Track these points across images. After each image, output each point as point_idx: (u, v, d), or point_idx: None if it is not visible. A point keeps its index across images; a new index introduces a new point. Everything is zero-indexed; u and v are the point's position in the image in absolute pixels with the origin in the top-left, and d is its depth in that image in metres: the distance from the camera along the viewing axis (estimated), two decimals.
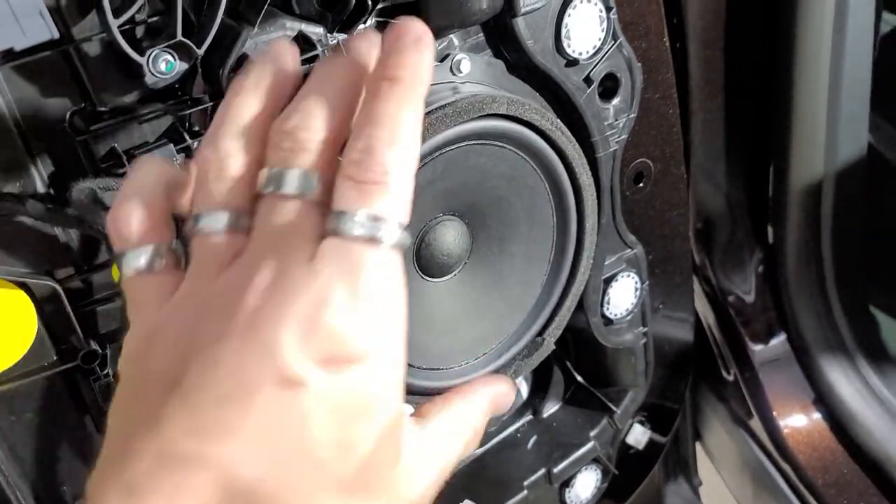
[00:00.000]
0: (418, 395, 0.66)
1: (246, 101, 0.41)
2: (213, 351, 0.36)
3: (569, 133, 0.65)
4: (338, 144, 0.39)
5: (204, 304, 0.38)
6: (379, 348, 0.37)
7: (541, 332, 0.71)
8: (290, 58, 0.42)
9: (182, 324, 0.38)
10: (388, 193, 0.37)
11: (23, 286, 0.53)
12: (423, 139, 0.57)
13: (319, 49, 0.54)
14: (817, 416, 1.05)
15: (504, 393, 0.48)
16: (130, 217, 0.41)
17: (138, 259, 0.40)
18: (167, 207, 0.42)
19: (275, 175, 0.38)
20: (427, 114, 0.57)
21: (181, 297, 0.39)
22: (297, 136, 0.39)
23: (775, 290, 1.09)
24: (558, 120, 0.64)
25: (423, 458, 0.41)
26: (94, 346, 0.56)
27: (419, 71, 0.40)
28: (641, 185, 0.80)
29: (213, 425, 0.35)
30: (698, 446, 1.20)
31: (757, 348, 1.09)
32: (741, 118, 1.00)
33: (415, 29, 0.40)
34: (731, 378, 1.12)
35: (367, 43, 0.42)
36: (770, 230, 1.07)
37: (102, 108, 0.52)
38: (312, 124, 0.39)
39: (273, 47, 0.42)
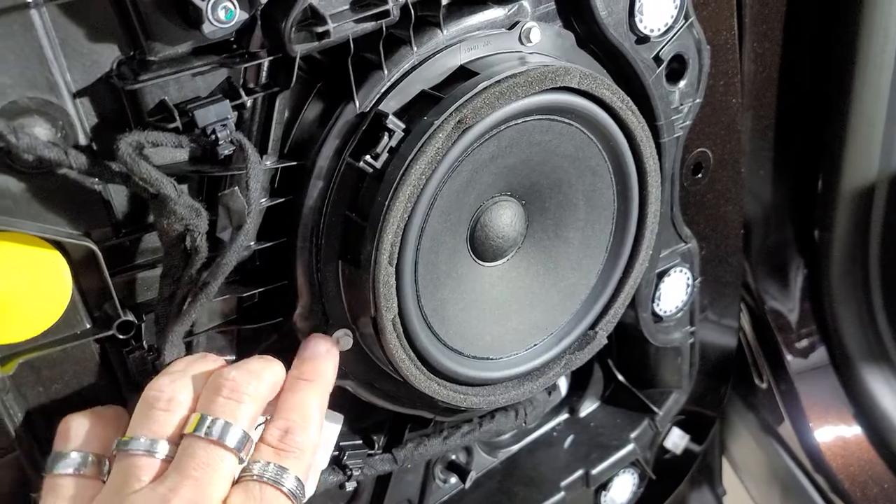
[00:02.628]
0: (466, 384, 0.62)
1: (200, 362, 0.51)
2: None
3: (639, 114, 0.61)
4: (257, 415, 0.50)
5: None
6: None
7: (593, 325, 0.68)
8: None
9: None
10: (294, 458, 0.49)
11: (57, 246, 0.48)
12: (494, 108, 0.53)
13: (390, 4, 0.50)
14: (856, 427, 1.01)
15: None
16: (79, 425, 0.49)
17: (68, 460, 0.48)
18: (107, 429, 0.50)
19: (208, 421, 0.47)
20: (497, 82, 0.53)
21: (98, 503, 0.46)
22: (237, 389, 0.48)
23: (816, 297, 1.05)
24: (629, 99, 0.60)
25: None
26: (130, 315, 0.52)
27: (328, 375, 0.54)
28: (700, 175, 0.76)
29: None
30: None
31: (794, 356, 1.05)
32: (793, 116, 0.96)
33: (326, 343, 0.56)
34: (763, 386, 1.08)
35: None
36: (815, 234, 1.03)
37: (152, 58, 0.48)
38: (248, 388, 0.49)
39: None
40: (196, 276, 0.50)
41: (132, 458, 0.46)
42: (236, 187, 0.51)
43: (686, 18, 0.66)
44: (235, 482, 0.47)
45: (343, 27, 0.50)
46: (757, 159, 0.98)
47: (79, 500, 0.47)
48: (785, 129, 0.96)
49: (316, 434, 0.51)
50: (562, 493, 0.78)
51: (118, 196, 0.50)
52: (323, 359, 0.55)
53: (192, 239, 0.49)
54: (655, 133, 0.67)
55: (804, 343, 1.05)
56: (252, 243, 0.54)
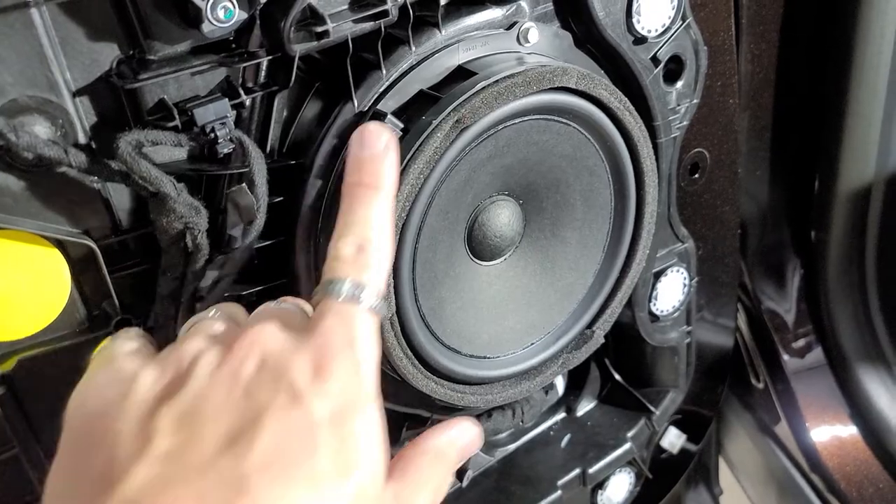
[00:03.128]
0: (464, 383, 0.62)
1: None
2: (219, 378, 0.40)
3: (636, 114, 0.61)
4: None
5: (205, 353, 0.42)
6: (366, 392, 0.41)
7: (591, 325, 0.68)
8: None
9: (179, 367, 0.41)
10: (375, 273, 0.45)
11: (57, 244, 0.49)
12: (492, 108, 0.53)
13: (389, 4, 0.51)
14: (852, 427, 1.02)
15: (473, 442, 0.50)
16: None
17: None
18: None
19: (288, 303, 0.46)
20: (495, 82, 0.53)
21: (167, 353, 0.43)
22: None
23: (813, 298, 1.05)
24: (627, 99, 0.61)
25: None
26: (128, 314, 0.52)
27: (392, 177, 0.47)
28: (696, 175, 0.76)
29: (232, 441, 0.38)
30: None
31: (790, 356, 1.05)
32: (790, 117, 0.97)
33: (382, 136, 0.47)
34: (760, 386, 1.08)
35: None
36: (812, 234, 1.03)
37: (151, 57, 0.48)
38: None
39: None
40: (199, 274, 0.50)
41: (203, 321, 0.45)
42: (244, 184, 0.52)
43: (683, 19, 0.66)
44: (315, 306, 0.44)
45: (342, 27, 0.50)
46: (754, 160, 0.98)
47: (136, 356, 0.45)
48: (782, 130, 0.96)
49: (390, 247, 0.47)
50: (558, 492, 0.79)
51: (117, 195, 0.50)
52: (382, 158, 0.47)
53: (192, 237, 0.49)
54: (653, 133, 0.67)
55: (801, 343, 1.05)
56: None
